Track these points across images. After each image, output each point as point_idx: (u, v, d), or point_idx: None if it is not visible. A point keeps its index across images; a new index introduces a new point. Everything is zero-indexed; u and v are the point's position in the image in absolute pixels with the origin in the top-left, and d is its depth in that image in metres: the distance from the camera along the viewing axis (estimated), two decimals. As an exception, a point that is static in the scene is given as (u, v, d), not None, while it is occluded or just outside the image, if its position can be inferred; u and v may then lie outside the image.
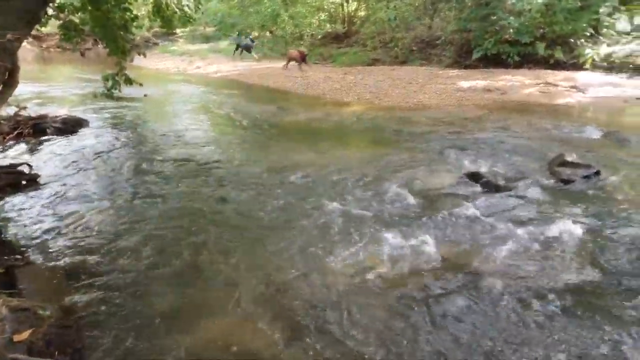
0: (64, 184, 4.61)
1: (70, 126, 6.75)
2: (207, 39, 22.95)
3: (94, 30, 6.52)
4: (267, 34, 19.97)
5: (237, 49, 17.73)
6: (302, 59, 14.11)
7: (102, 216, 3.87)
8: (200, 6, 8.22)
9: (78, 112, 7.64)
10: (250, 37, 18.08)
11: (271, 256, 3.19)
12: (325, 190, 4.32)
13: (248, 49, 17.31)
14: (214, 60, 18.04)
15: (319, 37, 18.15)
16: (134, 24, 6.87)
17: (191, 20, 7.73)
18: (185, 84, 13.03)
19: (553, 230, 3.34)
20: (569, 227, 3.33)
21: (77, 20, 6.62)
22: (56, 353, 2.16)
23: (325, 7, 18.35)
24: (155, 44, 22.87)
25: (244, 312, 2.60)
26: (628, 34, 11.00)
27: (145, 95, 9.79)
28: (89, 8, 6.03)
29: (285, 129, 7.24)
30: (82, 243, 3.38)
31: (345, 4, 18.27)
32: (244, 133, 7.11)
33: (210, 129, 7.54)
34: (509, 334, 2.37)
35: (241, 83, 13.02)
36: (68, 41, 6.92)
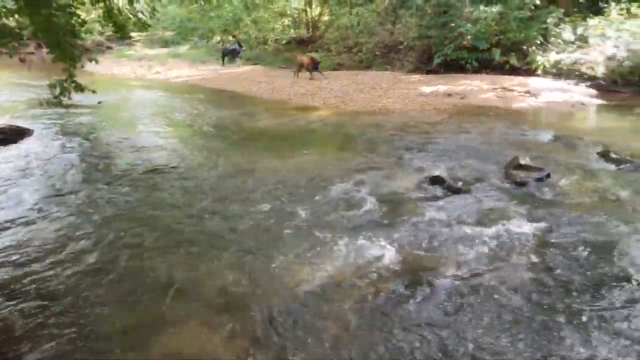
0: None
1: (10, 135, 6.34)
2: (166, 42, 22.26)
3: (36, 35, 6.22)
4: (230, 38, 19.80)
5: (224, 56, 16.57)
6: (314, 66, 12.75)
7: (40, 227, 3.80)
8: (155, 12, 7.97)
9: (20, 121, 7.21)
10: (237, 42, 16.98)
11: (227, 264, 3.25)
12: (289, 196, 4.41)
13: (235, 54, 16.38)
14: (175, 64, 17.58)
15: (284, 42, 18.21)
16: (83, 29, 6.60)
17: (146, 26, 7.51)
18: (144, 90, 12.67)
19: (507, 231, 3.58)
20: (521, 229, 3.59)
21: (12, 24, 6.27)
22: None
23: (288, 12, 18.38)
24: (109, 48, 21.83)
25: (199, 321, 2.64)
26: (572, 42, 11.73)
27: (99, 103, 9.42)
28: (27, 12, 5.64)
29: (250, 135, 7.24)
30: (16, 257, 3.32)
31: (308, 9, 18.42)
32: (206, 139, 7.04)
33: (169, 135, 7.37)
34: (465, 333, 2.53)
35: (204, 88, 12.82)
36: (2, 46, 6.54)
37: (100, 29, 16.13)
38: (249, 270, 3.17)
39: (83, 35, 6.98)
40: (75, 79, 7.43)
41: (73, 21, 6.15)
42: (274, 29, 17.82)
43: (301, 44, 18.08)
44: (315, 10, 18.60)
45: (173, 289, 2.96)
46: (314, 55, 13.54)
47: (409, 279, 3.05)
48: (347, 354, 2.40)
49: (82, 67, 6.45)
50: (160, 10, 19.31)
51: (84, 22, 6.65)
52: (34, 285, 2.98)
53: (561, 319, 2.60)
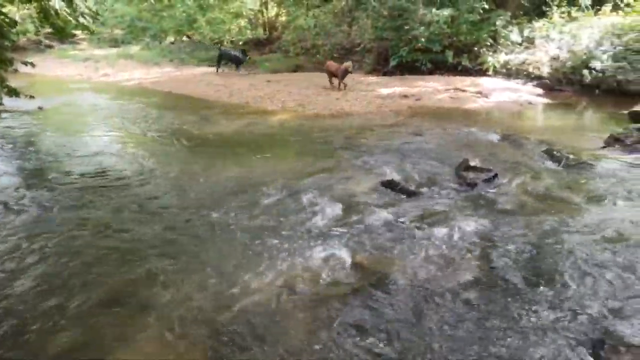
0: None
1: None
2: (115, 42, 21.07)
3: None
4: (184, 38, 19.29)
5: (220, 60, 14.49)
6: (344, 74, 10.87)
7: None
8: (99, 16, 7.47)
9: None
10: (242, 50, 14.95)
11: (179, 275, 3.23)
12: (244, 203, 4.42)
13: (238, 62, 14.24)
14: (125, 66, 16.76)
15: (241, 43, 18.04)
16: (14, 30, 6.10)
17: (90, 31, 7.04)
18: (91, 93, 12.09)
19: (454, 232, 3.75)
20: (467, 229, 3.77)
21: None
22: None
23: (244, 13, 18.14)
24: (50, 47, 20.20)
25: (151, 336, 2.63)
26: (520, 44, 12.31)
27: (40, 108, 8.94)
28: None
29: (207, 141, 7.13)
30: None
31: (264, 10, 18.33)
32: (160, 146, 6.84)
33: (119, 142, 7.07)
34: (416, 333, 2.64)
35: (158, 92, 12.37)
36: None
37: (35, 29, 14.95)
38: (203, 281, 3.16)
39: (14, 36, 6.39)
40: (7, 83, 6.77)
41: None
42: (230, 30, 17.55)
43: (259, 45, 18.00)
44: (272, 11, 18.54)
45: (123, 303, 2.93)
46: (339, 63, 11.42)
47: (361, 282, 3.15)
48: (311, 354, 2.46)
49: (16, 70, 6.00)
50: (106, 7, 18.40)
51: (14, 22, 6.13)
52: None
53: (500, 317, 2.75)
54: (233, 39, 17.70)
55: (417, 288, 3.06)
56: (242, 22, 18.11)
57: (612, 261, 3.26)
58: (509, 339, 2.56)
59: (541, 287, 2.99)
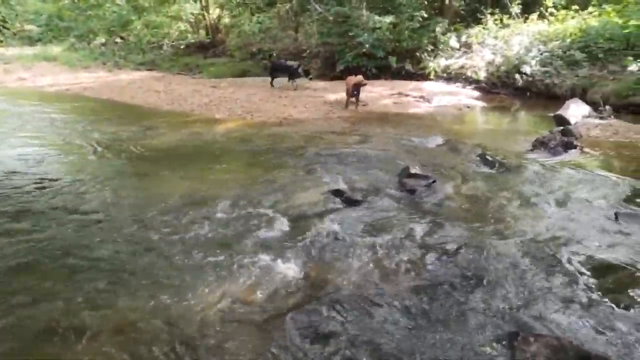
0: None
1: None
2: (30, 40, 19.33)
3: None
4: (117, 40, 18.31)
5: (273, 73, 12.47)
6: (354, 90, 9.49)
7: None
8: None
9: None
10: (299, 63, 12.57)
11: (128, 296, 3.20)
12: (190, 218, 4.40)
13: (292, 74, 12.02)
14: (47, 69, 15.35)
15: (182, 46, 17.61)
16: None
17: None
18: (9, 102, 10.96)
19: (397, 238, 3.97)
20: (408, 235, 4.01)
21: None
22: None
23: (184, 17, 17.61)
24: None
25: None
26: (458, 49, 12.98)
27: None
28: None
29: (150, 153, 6.89)
30: None
31: (206, 14, 17.99)
32: (101, 159, 6.50)
33: (48, 157, 6.53)
34: (362, 334, 2.82)
35: (90, 99, 11.59)
36: None
37: None
38: (149, 299, 3.16)
39: None
40: None
41: None
42: (169, 34, 17.02)
43: (202, 48, 17.69)
44: (215, 13, 18.26)
45: (59, 327, 2.88)
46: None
47: (309, 291, 3.29)
48: None
49: None
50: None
51: None
52: None
53: (435, 316, 2.99)
54: (174, 43, 17.24)
55: (361, 294, 3.24)
56: (182, 25, 17.64)
57: (531, 261, 3.59)
58: (438, 337, 2.79)
59: (469, 288, 3.27)
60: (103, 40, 18.12)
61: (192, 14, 17.74)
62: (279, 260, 3.64)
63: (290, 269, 3.54)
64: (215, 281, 3.40)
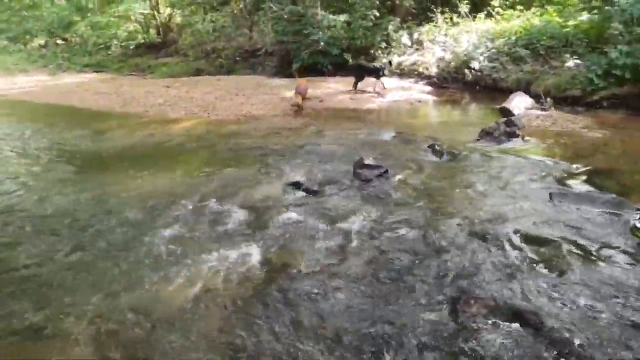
0: None
1: None
2: None
3: None
4: (58, 41, 17.51)
5: (359, 76, 11.46)
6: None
7: None
8: None
9: None
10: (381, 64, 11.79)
11: (92, 295, 3.24)
12: (149, 219, 4.43)
13: (379, 76, 11.30)
14: None
15: (132, 47, 17.13)
16: None
17: None
18: None
19: (352, 224, 4.19)
20: (363, 221, 4.24)
21: None
22: None
23: (133, 17, 17.12)
24: None
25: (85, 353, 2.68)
26: (410, 46, 13.44)
27: None
28: None
29: (103, 157, 6.76)
30: None
31: (156, 13, 17.59)
32: (46, 167, 6.27)
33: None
34: (325, 314, 2.99)
35: (34, 104, 11.08)
36: None
37: None
38: (115, 294, 3.22)
39: None
40: None
41: None
42: (117, 34, 16.50)
43: (152, 49, 17.30)
44: (165, 14, 17.90)
45: (38, 329, 2.91)
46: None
47: (270, 276, 3.44)
48: (224, 353, 2.67)
49: None
50: None
51: None
52: None
53: (389, 288, 3.24)
54: (122, 44, 16.73)
55: (320, 275, 3.43)
56: (131, 26, 17.15)
57: (473, 237, 3.90)
58: (391, 307, 3.04)
59: (417, 264, 3.54)
60: (42, 42, 17.19)
61: (142, 13, 17.26)
62: (242, 249, 3.77)
63: (252, 256, 3.68)
64: (180, 272, 3.48)
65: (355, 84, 11.50)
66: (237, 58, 15.04)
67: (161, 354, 2.69)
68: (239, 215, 4.49)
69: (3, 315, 3.08)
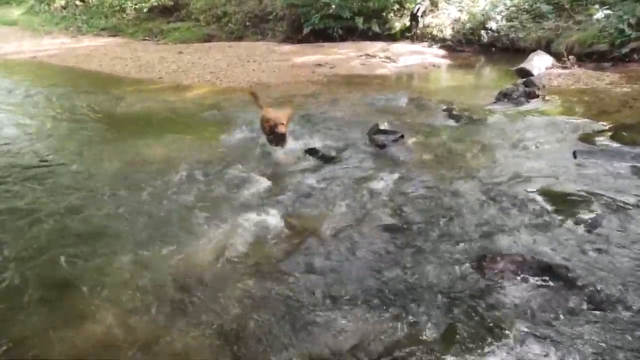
0: None
1: None
2: None
3: None
4: (77, 2, 17.40)
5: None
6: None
7: None
8: None
9: None
10: None
11: (122, 258, 3.31)
12: (170, 184, 4.48)
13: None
14: (10, 35, 15.03)
15: (145, 10, 16.92)
16: None
17: None
18: None
19: (370, 188, 4.19)
20: (381, 184, 4.24)
21: None
22: None
23: None
24: None
25: (107, 316, 2.76)
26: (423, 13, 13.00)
27: None
28: None
29: (122, 121, 6.89)
30: None
31: (170, -26, 17.25)
32: (71, 130, 6.49)
33: (30, 131, 6.49)
34: (347, 274, 3.05)
35: (57, 67, 11.44)
36: None
37: None
38: (146, 262, 3.27)
39: None
40: None
41: None
42: (130, -4, 16.23)
43: (165, 12, 17.01)
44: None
45: (72, 289, 2.99)
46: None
47: (294, 239, 3.49)
48: (254, 314, 2.73)
49: None
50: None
51: None
52: None
53: (411, 249, 3.26)
54: (136, 6, 16.49)
55: (340, 238, 3.46)
56: (144, -13, 16.90)
57: (495, 197, 3.87)
58: (415, 266, 3.08)
59: (440, 224, 3.55)
60: (63, 2, 17.13)
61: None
62: (262, 214, 3.81)
63: (273, 220, 3.72)
64: (204, 235, 3.54)
65: None
66: (248, 23, 14.75)
67: (192, 313, 2.77)
68: (258, 181, 4.51)
69: (36, 266, 3.20)
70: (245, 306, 2.79)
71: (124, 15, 16.27)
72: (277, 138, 4.58)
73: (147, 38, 14.99)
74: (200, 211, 3.90)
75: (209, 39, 14.60)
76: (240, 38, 14.43)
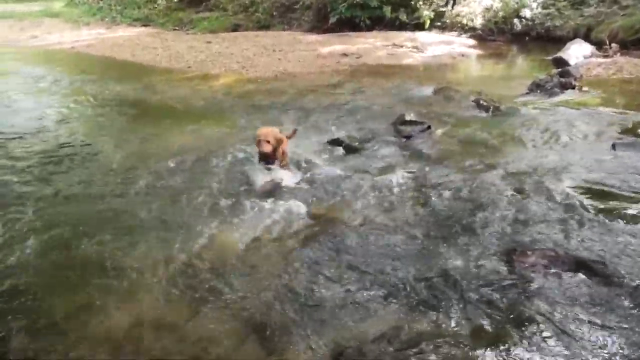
0: None
1: None
2: None
3: None
4: None
5: None
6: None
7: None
8: None
9: None
10: None
11: (152, 240, 3.39)
12: (200, 170, 4.56)
13: None
14: (53, 26, 15.63)
15: (175, 0, 17.14)
16: None
17: None
18: (26, 61, 11.34)
19: (395, 179, 4.11)
20: (406, 176, 4.16)
21: None
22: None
23: None
24: None
25: (149, 296, 2.84)
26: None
27: None
28: None
29: (153, 110, 7.04)
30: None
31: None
32: (106, 118, 6.72)
33: (68, 118, 6.79)
34: (372, 261, 3.04)
35: (93, 57, 11.83)
36: None
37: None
38: (177, 247, 3.32)
39: None
40: None
41: None
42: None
43: (194, 2, 17.17)
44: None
45: (112, 270, 3.09)
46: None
47: (320, 230, 3.47)
48: (280, 301, 2.75)
49: None
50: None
51: None
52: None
53: (437, 241, 3.20)
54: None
55: (367, 226, 3.44)
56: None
57: (526, 190, 3.76)
58: (442, 256, 3.02)
59: (467, 216, 3.46)
60: None
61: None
62: (288, 203, 3.81)
63: (299, 209, 3.72)
64: (232, 220, 3.60)
65: None
66: (274, 13, 14.72)
67: (219, 298, 2.80)
68: (282, 170, 4.49)
69: (75, 247, 3.31)
70: (271, 293, 2.81)
71: (155, 6, 16.56)
72: (260, 155, 4.22)
73: (176, 28, 15.22)
74: (227, 198, 3.94)
75: (236, 28, 14.66)
76: (266, 27, 14.42)
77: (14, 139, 5.69)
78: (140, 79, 9.01)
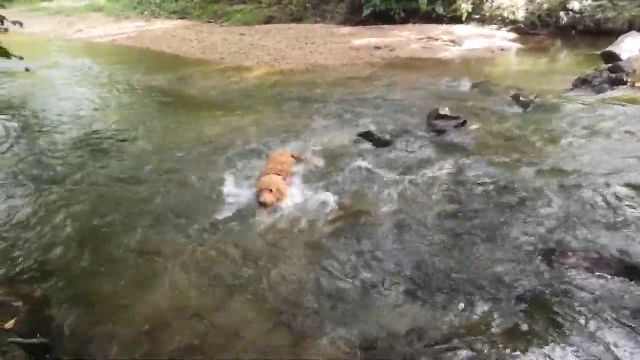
0: None
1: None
2: None
3: None
4: None
5: None
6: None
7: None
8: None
9: None
10: None
11: (189, 227, 3.48)
12: (233, 156, 4.68)
13: None
14: (97, 21, 16.43)
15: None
16: None
17: None
18: (71, 53, 11.95)
19: (428, 174, 4.01)
20: (438, 171, 4.03)
21: None
22: (39, 335, 2.49)
23: None
24: None
25: (188, 278, 2.94)
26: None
27: (27, 70, 8.88)
28: None
29: (187, 100, 7.19)
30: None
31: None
32: (143, 107, 6.95)
33: (109, 106, 7.14)
34: (400, 255, 2.98)
35: (133, 49, 12.28)
36: None
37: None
38: (208, 235, 3.40)
39: None
40: None
41: None
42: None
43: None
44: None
45: (151, 254, 3.22)
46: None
47: (347, 220, 3.46)
48: (309, 292, 2.76)
49: (6, 30, 6.08)
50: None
51: None
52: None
53: (471, 238, 3.10)
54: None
55: (398, 221, 3.37)
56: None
57: (567, 189, 3.55)
58: (478, 256, 2.91)
59: (504, 215, 3.32)
60: None
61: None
62: (317, 195, 3.81)
63: (328, 201, 3.69)
64: (260, 212, 3.61)
65: None
66: (308, 5, 14.62)
67: (249, 287, 2.83)
68: (313, 162, 4.47)
69: (112, 233, 3.43)
70: (300, 284, 2.82)
71: (193, -1, 16.83)
72: (259, 204, 3.68)
73: (211, 20, 15.42)
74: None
75: (269, 20, 14.67)
76: (299, 20, 14.35)
77: (57, 126, 6.04)
78: (176, 70, 9.22)
